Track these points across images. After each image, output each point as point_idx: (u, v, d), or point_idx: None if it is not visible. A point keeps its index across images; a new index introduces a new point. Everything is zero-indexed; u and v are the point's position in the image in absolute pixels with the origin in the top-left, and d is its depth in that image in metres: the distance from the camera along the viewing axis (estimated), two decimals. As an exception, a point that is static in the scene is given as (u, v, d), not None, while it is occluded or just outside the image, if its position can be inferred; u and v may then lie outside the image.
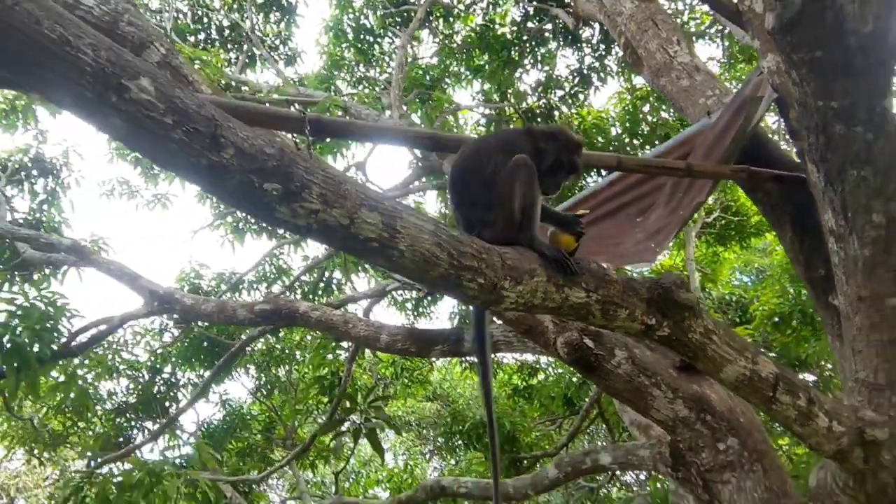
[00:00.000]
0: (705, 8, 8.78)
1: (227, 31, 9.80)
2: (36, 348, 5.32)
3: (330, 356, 7.79)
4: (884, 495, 2.58)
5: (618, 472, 9.74)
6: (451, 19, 10.21)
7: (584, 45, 9.50)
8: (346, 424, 6.36)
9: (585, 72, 9.56)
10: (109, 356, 8.48)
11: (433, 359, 9.23)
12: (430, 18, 10.07)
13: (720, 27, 9.21)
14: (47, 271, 7.03)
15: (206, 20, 9.73)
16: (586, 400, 8.42)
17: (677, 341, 2.15)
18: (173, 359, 9.01)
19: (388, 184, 8.23)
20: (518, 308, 1.87)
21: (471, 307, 2.33)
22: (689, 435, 3.56)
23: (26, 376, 5.30)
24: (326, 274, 8.89)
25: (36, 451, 9.60)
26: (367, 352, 8.76)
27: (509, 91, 9.77)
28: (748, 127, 3.55)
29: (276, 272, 9.20)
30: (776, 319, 8.68)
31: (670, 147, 4.27)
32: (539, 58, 9.71)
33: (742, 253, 11.25)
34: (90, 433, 8.95)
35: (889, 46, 2.25)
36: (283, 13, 10.02)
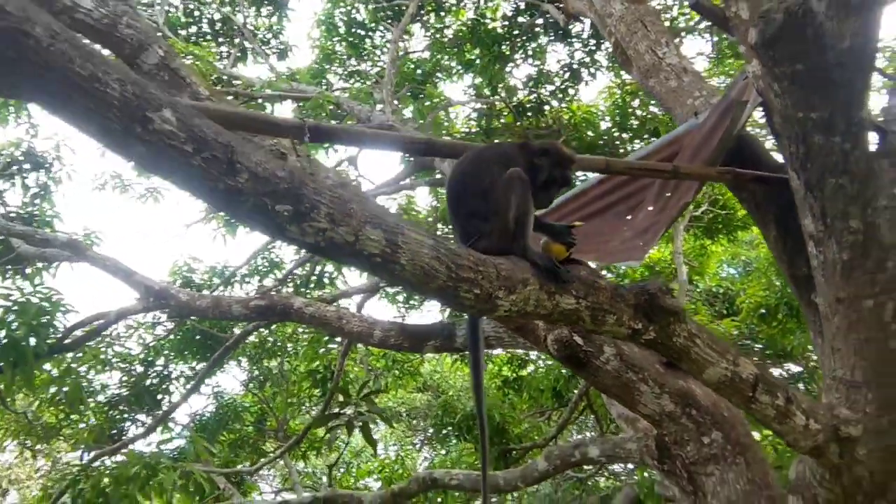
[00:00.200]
0: (694, 4, 8.85)
1: (218, 25, 9.80)
2: (32, 343, 5.38)
3: (322, 350, 7.87)
4: (858, 488, 2.70)
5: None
6: (443, 13, 10.25)
7: (574, 40, 9.58)
8: (340, 418, 6.46)
9: (576, 67, 9.63)
10: (103, 348, 8.52)
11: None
12: (422, 12, 10.11)
13: (709, 23, 9.29)
14: (40, 265, 7.06)
15: (197, 14, 9.73)
16: (575, 392, 8.55)
17: (662, 345, 2.25)
18: (166, 351, 9.07)
19: (381, 179, 8.30)
20: (511, 315, 1.97)
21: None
22: (674, 429, 3.67)
23: (22, 371, 5.36)
24: (318, 268, 8.96)
25: (29, 444, 9.65)
26: (360, 345, 8.85)
27: (500, 85, 9.83)
28: (734, 129, 3.65)
29: (269, 265, 9.26)
30: (762, 311, 8.81)
31: (659, 146, 4.37)
32: (530, 52, 9.77)
33: (729, 246, 11.37)
34: (83, 425, 8.99)
35: (865, 61, 2.36)
36: (274, 7, 10.03)
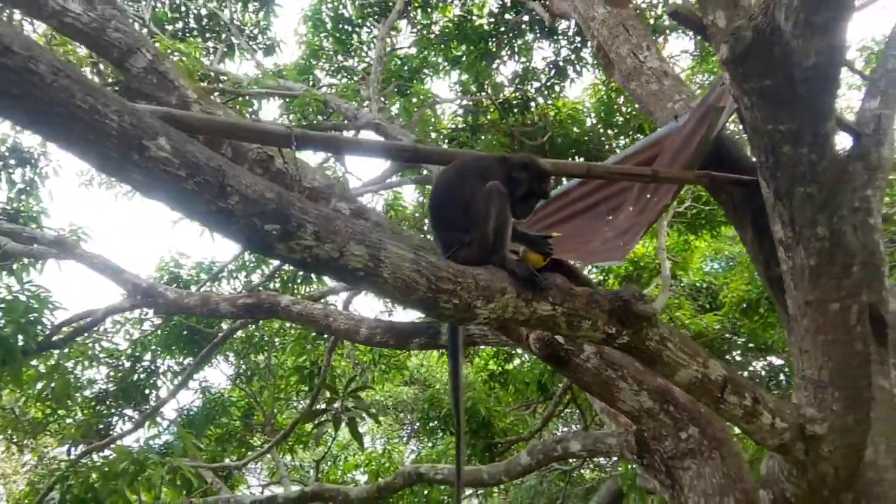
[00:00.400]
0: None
1: (205, 21, 9.79)
2: (21, 341, 5.42)
3: (309, 346, 7.93)
4: (823, 483, 2.83)
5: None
6: (430, 10, 10.28)
7: (560, 37, 9.66)
8: (326, 414, 6.54)
9: (561, 64, 9.71)
10: (90, 343, 8.54)
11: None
12: (409, 9, 10.14)
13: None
14: (26, 261, 7.07)
15: (184, 9, 9.70)
16: (560, 386, 8.67)
17: (636, 348, 2.35)
18: (153, 347, 9.10)
19: (367, 175, 8.35)
20: (490, 322, 2.06)
21: None
22: (653, 424, 3.78)
23: (11, 369, 5.40)
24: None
25: (15, 439, 9.67)
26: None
27: (487, 82, 9.90)
28: (711, 135, 3.75)
29: (256, 261, 9.29)
30: (744, 306, 8.96)
31: (641, 148, 4.46)
32: (516, 49, 9.84)
33: (712, 241, 11.52)
34: (70, 421, 9.02)
35: (830, 77, 2.46)
36: (261, 2, 10.02)
